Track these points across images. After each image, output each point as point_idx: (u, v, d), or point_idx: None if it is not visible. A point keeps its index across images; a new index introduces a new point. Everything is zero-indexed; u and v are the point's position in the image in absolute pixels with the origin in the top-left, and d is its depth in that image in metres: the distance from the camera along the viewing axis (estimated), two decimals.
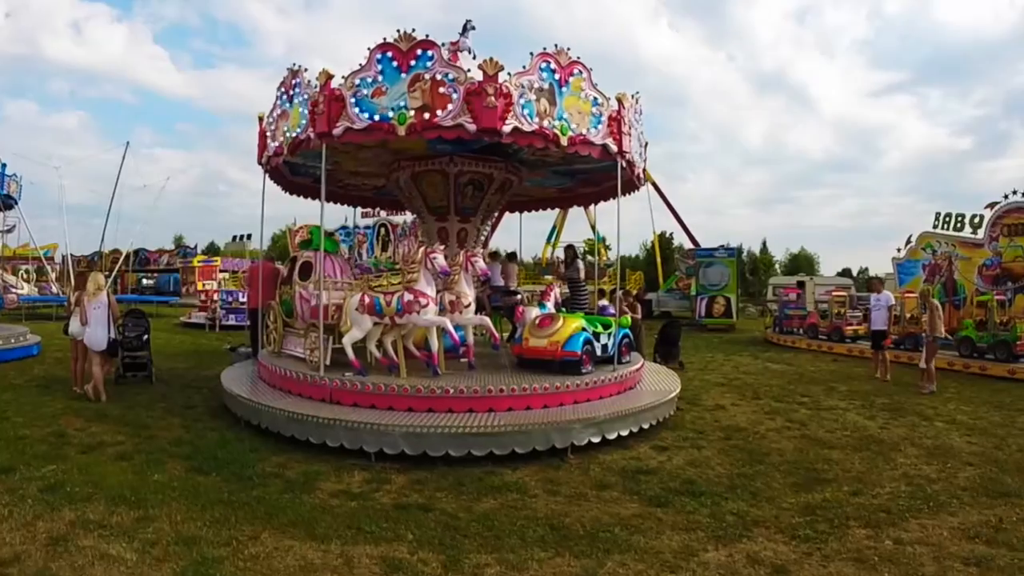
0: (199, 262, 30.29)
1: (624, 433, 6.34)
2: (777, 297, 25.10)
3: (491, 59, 6.10)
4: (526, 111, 6.26)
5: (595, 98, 6.88)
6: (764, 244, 53.55)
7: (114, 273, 24.67)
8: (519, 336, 7.36)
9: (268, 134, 7.66)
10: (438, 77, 6.05)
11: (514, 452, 5.54)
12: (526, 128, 6.25)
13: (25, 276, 25.38)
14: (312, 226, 8.38)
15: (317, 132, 6.41)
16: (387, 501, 4.70)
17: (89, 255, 29.81)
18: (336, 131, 6.29)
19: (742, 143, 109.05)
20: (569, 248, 11.00)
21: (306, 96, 6.62)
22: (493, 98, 6.02)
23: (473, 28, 8.03)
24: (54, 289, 23.53)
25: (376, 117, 6.14)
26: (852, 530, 4.29)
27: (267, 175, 8.61)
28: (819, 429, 7.19)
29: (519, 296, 9.05)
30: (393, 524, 4.26)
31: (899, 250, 17.12)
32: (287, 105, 7.11)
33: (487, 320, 7.09)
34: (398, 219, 44.54)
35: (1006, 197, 13.95)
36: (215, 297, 19.05)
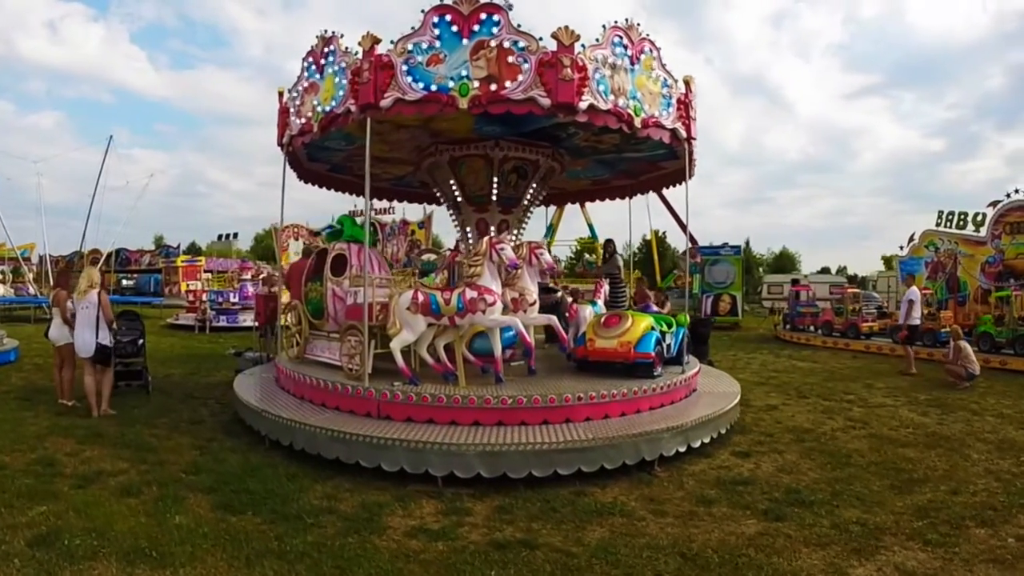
0: (183, 262, 28.86)
1: (706, 440, 5.82)
2: (773, 295, 25.11)
3: (566, 27, 5.45)
4: (601, 87, 5.65)
5: (664, 79, 6.37)
6: (747, 243, 54.12)
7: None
8: (580, 336, 6.71)
9: (292, 110, 6.78)
10: (506, 44, 5.36)
11: (602, 468, 4.91)
12: (601, 106, 5.64)
13: (0, 277, 23.72)
14: (342, 216, 7.56)
15: (360, 104, 5.60)
16: (478, 539, 3.91)
17: (68, 255, 28.32)
18: (384, 102, 5.49)
19: (720, 145, 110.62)
20: (608, 243, 10.38)
21: (343, 65, 5.83)
22: (569, 70, 5.38)
23: (510, 7, 7.36)
24: (31, 290, 21.96)
25: (433, 87, 5.39)
26: (971, 530, 4.18)
27: (287, 160, 7.78)
28: (882, 427, 6.98)
29: (558, 294, 8.42)
30: (500, 570, 3.52)
31: (901, 248, 17.14)
32: (316, 76, 6.29)
33: (554, 319, 6.41)
34: (387, 218, 43.56)
35: (1008, 196, 14.02)
36: (203, 298, 17.91)
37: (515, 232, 8.57)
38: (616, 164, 9.36)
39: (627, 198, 10.80)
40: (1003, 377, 10.15)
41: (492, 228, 8.20)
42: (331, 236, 7.67)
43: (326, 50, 6.16)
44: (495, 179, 7.76)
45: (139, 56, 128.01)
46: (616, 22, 5.90)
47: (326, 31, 6.26)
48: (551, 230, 31.55)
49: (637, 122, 5.97)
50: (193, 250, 45.10)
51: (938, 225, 15.45)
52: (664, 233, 41.93)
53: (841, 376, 10.78)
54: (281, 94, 7.19)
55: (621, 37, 5.87)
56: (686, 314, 7.47)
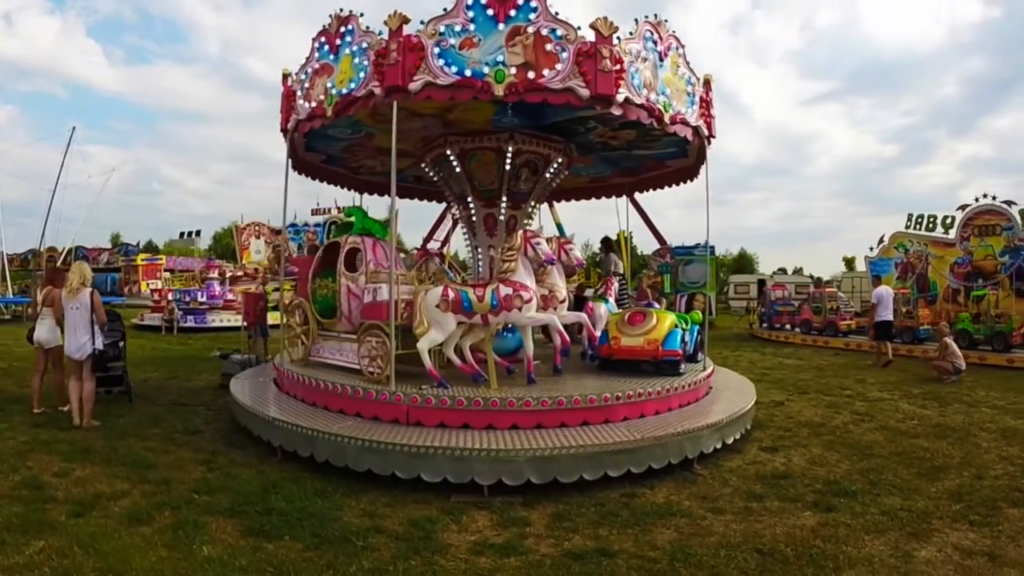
0: (143, 260, 27.36)
1: (737, 437, 5.81)
2: (740, 295, 25.73)
3: (605, 18, 5.32)
4: (635, 81, 5.55)
5: (688, 77, 6.35)
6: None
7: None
8: (603, 335, 6.57)
9: (299, 93, 6.35)
10: (543, 32, 5.18)
11: (650, 468, 4.78)
12: (635, 100, 5.53)
13: None
14: (351, 207, 7.18)
15: (387, 86, 5.27)
16: (549, 551, 3.67)
17: (23, 253, 26.52)
18: (413, 85, 5.19)
19: None
20: (605, 240, 10.32)
21: (364, 45, 5.48)
22: (609, 62, 5.24)
23: None
24: None
25: (467, 72, 5.14)
26: (1006, 511, 4.34)
27: (290, 149, 7.35)
28: (889, 420, 7.16)
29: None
30: None
31: (872, 249, 17.71)
32: (329, 57, 5.92)
33: (584, 317, 6.24)
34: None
35: (976, 200, 14.69)
36: (169, 297, 16.98)
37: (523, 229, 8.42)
38: (620, 161, 9.30)
39: (624, 196, 10.80)
40: (984, 372, 10.57)
41: (501, 225, 8.03)
42: (340, 230, 7.27)
43: (342, 30, 5.80)
44: (506, 173, 7.58)
45: (95, 50, 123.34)
46: (647, 17, 5.82)
47: (341, 10, 5.92)
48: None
49: (667, 118, 5.92)
50: (150, 248, 43.04)
51: (907, 227, 16.03)
52: (631, 234, 42.49)
53: (831, 372, 11.06)
54: (286, 77, 6.77)
55: (651, 32, 5.81)
56: (699, 312, 7.46)
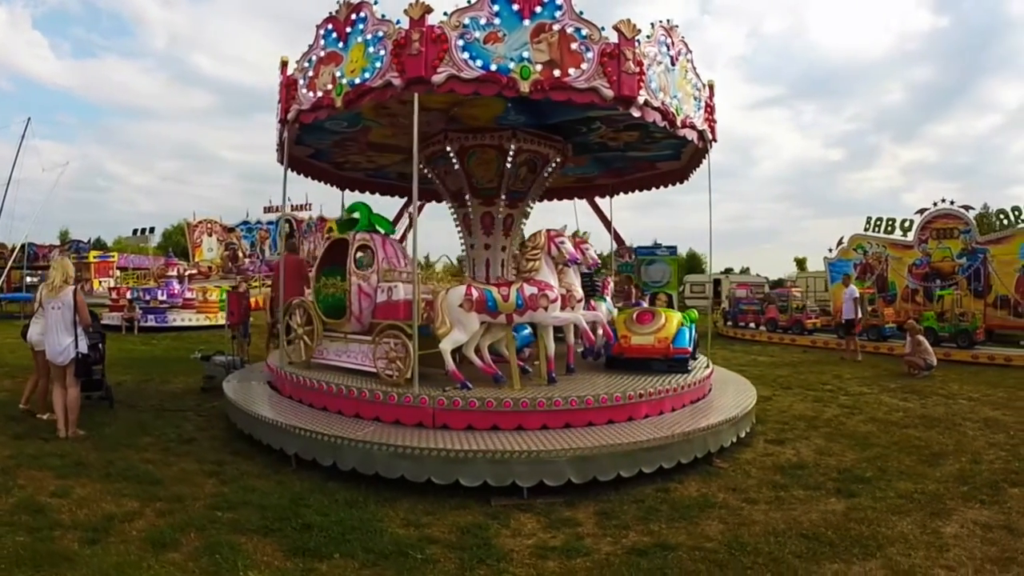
0: (95, 258, 25.75)
1: (747, 431, 6.00)
2: (695, 294, 26.50)
3: (628, 20, 5.37)
4: (653, 84, 5.63)
5: (695, 81, 6.51)
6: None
7: (6, 270, 20.37)
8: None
9: (301, 82, 6.06)
10: (568, 31, 5.18)
11: (679, 463, 4.87)
12: (653, 103, 5.62)
13: None
14: (355, 203, 6.95)
15: (408, 77, 5.11)
16: (612, 549, 3.67)
17: None
18: (437, 78, 5.06)
19: None
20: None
21: (380, 34, 5.29)
22: (632, 64, 5.30)
23: None
24: None
25: (493, 67, 5.07)
26: (1008, 490, 4.69)
27: (287, 140, 7.01)
28: (876, 412, 7.51)
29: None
30: None
31: (831, 250, 18.53)
32: (338, 45, 5.69)
33: (600, 315, 6.28)
34: (303, 215, 41.30)
35: (935, 204, 15.60)
36: (128, 296, 16.06)
37: (518, 229, 8.40)
38: (612, 162, 9.42)
39: (607, 196, 10.93)
40: (952, 367, 11.17)
41: (498, 223, 7.99)
42: (344, 226, 7.01)
43: (353, 17, 5.57)
44: (507, 172, 7.54)
45: (41, 43, 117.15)
46: (661, 22, 5.91)
47: None
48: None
49: (678, 121, 6.03)
50: (99, 246, 40.72)
51: (867, 230, 16.87)
52: (586, 234, 43.09)
53: (806, 368, 11.46)
54: (285, 64, 6.47)
55: (665, 36, 5.89)
56: (695, 310, 7.64)
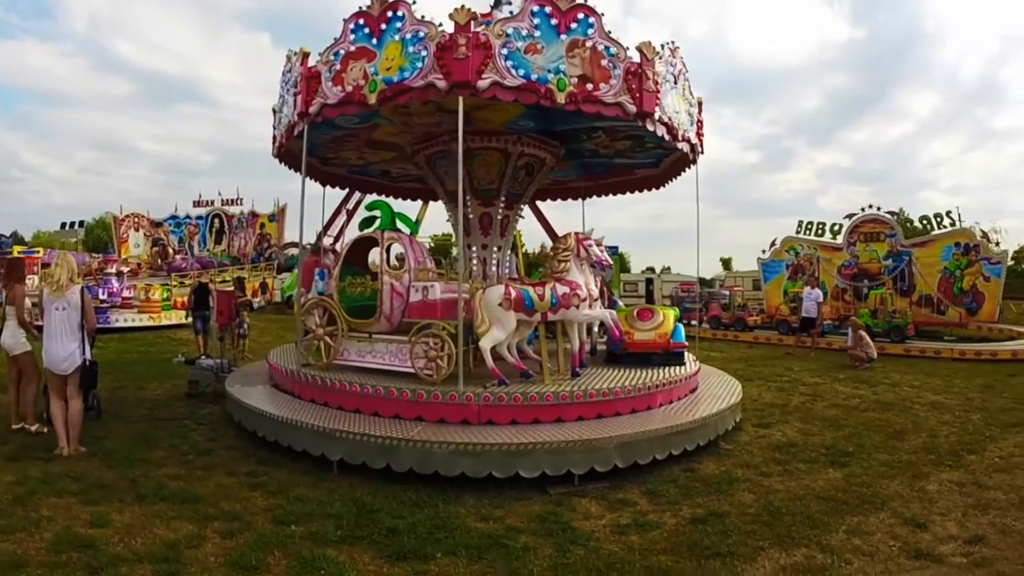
0: (19, 253, 23.37)
1: (740, 417, 6.67)
2: (628, 293, 27.81)
3: (649, 42, 5.84)
4: (664, 100, 6.14)
5: (691, 99, 7.05)
6: None
7: None
8: None
9: (325, 75, 6.05)
10: (599, 48, 5.58)
11: (698, 446, 5.42)
12: (663, 118, 6.12)
13: None
14: (375, 201, 6.98)
15: (454, 80, 5.30)
16: (675, 521, 4.13)
17: None
18: (482, 83, 5.29)
19: None
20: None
21: (420, 34, 5.41)
22: (652, 83, 5.78)
23: (509, 2, 7.54)
24: None
25: (533, 77, 5.37)
26: (966, 457, 5.61)
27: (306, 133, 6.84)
28: (836, 399, 8.41)
29: None
30: (739, 535, 3.87)
31: (764, 251, 20.00)
32: (370, 42, 5.72)
33: (614, 313, 6.71)
34: (234, 210, 39.35)
35: (863, 210, 17.29)
36: None
37: (513, 229, 8.73)
38: (595, 167, 9.92)
39: (579, 199, 11.44)
40: (888, 360, 12.39)
41: (496, 224, 8.28)
42: (363, 224, 7.01)
43: (389, 14, 5.63)
44: (508, 174, 7.86)
45: None
46: (668, 44, 6.41)
47: None
48: (418, 224, 31.18)
49: (679, 135, 6.57)
50: (17, 241, 36.91)
51: (798, 232, 18.43)
52: (519, 232, 43.83)
53: (758, 362, 12.41)
54: (306, 56, 6.38)
55: (671, 56, 6.39)
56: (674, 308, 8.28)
